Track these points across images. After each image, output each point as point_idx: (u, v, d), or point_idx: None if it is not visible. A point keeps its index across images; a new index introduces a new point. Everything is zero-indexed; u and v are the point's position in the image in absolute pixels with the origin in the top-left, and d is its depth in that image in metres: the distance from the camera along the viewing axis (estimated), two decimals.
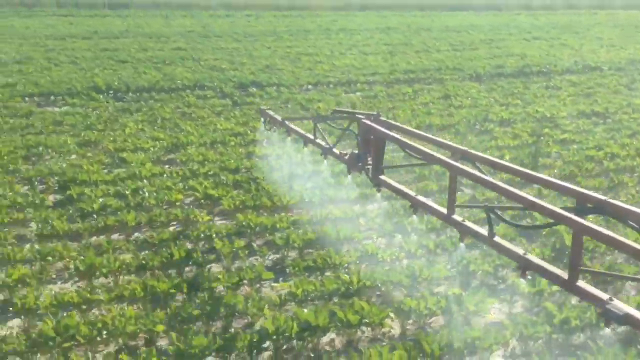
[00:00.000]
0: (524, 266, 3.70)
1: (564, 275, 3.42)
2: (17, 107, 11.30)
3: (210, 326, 4.73)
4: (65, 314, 4.64)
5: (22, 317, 4.78)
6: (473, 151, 4.74)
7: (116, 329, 4.50)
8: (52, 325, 4.42)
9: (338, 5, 38.04)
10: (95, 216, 6.53)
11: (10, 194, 6.95)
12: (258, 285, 5.34)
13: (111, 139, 9.49)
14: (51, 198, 7.05)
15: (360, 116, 5.69)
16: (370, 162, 5.45)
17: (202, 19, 29.57)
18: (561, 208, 3.62)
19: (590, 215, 3.86)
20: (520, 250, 3.79)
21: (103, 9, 33.21)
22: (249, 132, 9.93)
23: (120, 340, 4.55)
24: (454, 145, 4.83)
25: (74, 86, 13.00)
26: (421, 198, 4.73)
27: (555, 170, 8.07)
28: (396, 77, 15.28)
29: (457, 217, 4.33)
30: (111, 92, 12.92)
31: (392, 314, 4.79)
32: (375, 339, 4.68)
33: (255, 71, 15.72)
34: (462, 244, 4.48)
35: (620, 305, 3.07)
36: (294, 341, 4.51)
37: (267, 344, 4.45)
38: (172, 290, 5.05)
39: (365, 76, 15.19)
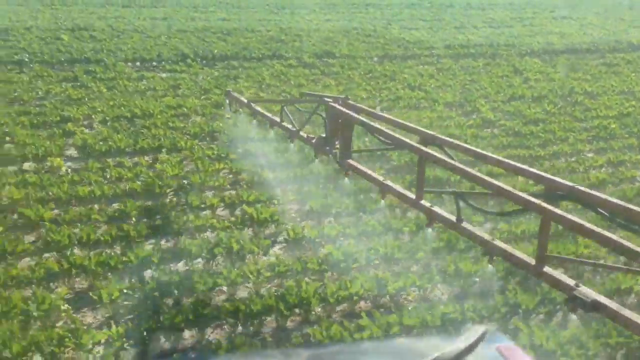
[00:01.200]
0: (491, 252, 3.69)
1: (531, 261, 3.39)
2: (127, 71, 11.80)
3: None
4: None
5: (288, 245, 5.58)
6: (442, 136, 4.66)
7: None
8: (333, 249, 5.21)
9: None
10: None
11: (196, 147, 7.60)
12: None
13: None
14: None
15: (328, 99, 5.48)
16: (338, 146, 5.29)
17: None
18: (529, 194, 3.59)
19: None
20: (487, 236, 3.75)
21: None
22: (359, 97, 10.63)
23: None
24: (423, 130, 4.76)
25: (162, 53, 13.48)
26: (389, 183, 4.64)
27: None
28: (456, 51, 16.01)
29: (425, 202, 4.24)
30: (198, 59, 13.43)
31: None
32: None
33: (316, 42, 16.29)
34: (429, 230, 4.41)
35: (587, 292, 3.06)
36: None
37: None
38: (405, 228, 5.87)
39: (427, 49, 15.91)
